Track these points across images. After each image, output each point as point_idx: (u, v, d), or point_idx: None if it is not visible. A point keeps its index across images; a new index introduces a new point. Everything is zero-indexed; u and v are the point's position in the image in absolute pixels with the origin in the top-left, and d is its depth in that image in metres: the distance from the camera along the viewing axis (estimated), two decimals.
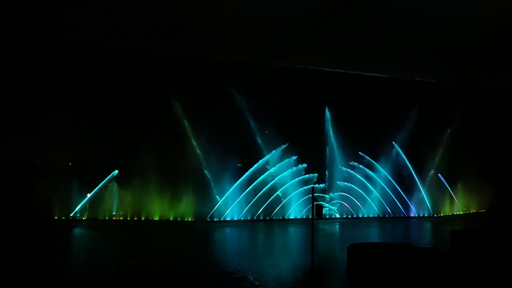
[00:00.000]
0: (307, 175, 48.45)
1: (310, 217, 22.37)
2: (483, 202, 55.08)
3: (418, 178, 53.83)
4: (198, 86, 47.22)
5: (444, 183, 54.49)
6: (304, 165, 48.31)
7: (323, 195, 49.94)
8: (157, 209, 44.23)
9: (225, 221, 45.67)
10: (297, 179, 48.12)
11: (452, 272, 16.87)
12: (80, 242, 33.29)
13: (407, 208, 53.53)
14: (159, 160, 44.01)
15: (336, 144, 51.79)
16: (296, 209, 48.72)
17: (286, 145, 47.76)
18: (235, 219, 46.30)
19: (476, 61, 45.22)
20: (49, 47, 41.18)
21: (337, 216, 50.52)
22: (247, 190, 46.33)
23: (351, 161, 50.92)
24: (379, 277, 16.36)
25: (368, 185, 51.08)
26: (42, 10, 34.63)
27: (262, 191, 46.64)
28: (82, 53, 42.67)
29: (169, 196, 44.10)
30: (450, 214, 55.71)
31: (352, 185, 50.55)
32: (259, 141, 48.22)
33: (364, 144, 50.87)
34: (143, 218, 44.05)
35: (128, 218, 44.38)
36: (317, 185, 49.12)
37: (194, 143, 46.42)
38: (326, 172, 51.34)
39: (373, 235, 36.57)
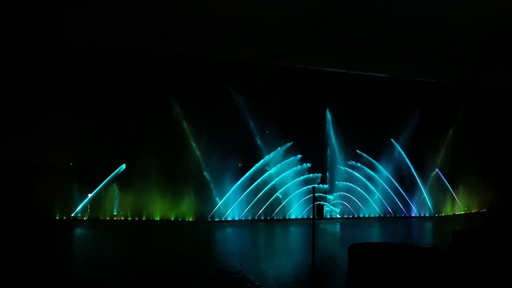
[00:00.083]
0: (310, 175, 48.40)
1: (311, 217, 22.35)
2: (484, 202, 55.05)
3: (419, 178, 53.81)
4: (198, 86, 47.18)
5: (443, 180, 54.43)
6: (308, 164, 48.25)
7: (325, 195, 49.85)
8: (158, 209, 44.21)
9: (226, 221, 45.64)
10: (301, 177, 47.98)
11: (453, 272, 16.87)
12: (81, 242, 33.26)
13: (408, 208, 53.53)
14: (160, 160, 43.99)
15: (337, 145, 51.76)
16: (297, 209, 48.68)
17: (291, 143, 47.74)
18: (236, 219, 46.28)
19: (476, 61, 45.23)
20: (49, 47, 41.16)
21: (338, 216, 50.48)
22: (248, 190, 46.29)
23: (351, 161, 50.85)
24: (380, 277, 16.36)
25: (369, 185, 51.05)
26: (42, 10, 34.61)
27: (263, 191, 46.61)
28: (82, 53, 42.66)
29: (170, 196, 44.07)
30: (451, 214, 55.71)
31: (353, 185, 50.49)
32: (258, 142, 48.16)
33: (365, 144, 50.87)
34: (144, 218, 44.03)
35: (129, 218, 44.35)
36: (320, 185, 49.14)
37: (195, 143, 46.39)
38: (327, 174, 51.26)
39: (374, 235, 36.53)
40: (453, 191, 55.37)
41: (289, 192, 47.93)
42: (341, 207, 50.75)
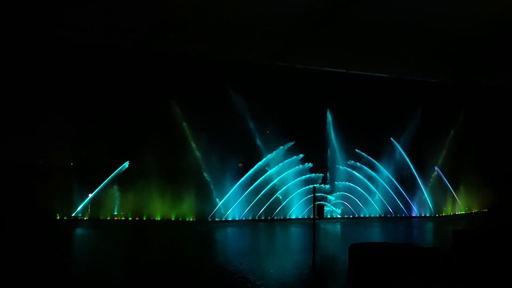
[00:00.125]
0: (312, 174, 48.36)
1: (312, 217, 22.34)
2: (485, 202, 55.02)
3: (419, 178, 53.79)
4: (198, 86, 47.17)
5: (444, 180, 54.41)
6: (310, 164, 48.22)
7: (327, 195, 49.80)
8: (159, 209, 44.19)
9: (226, 221, 45.62)
10: (302, 177, 47.92)
11: (454, 272, 16.86)
12: (81, 242, 33.27)
13: (408, 207, 53.52)
14: (160, 160, 43.97)
15: (337, 145, 51.73)
16: (297, 209, 48.64)
17: (293, 142, 47.70)
18: (237, 219, 46.25)
19: (476, 61, 45.17)
20: (49, 47, 41.14)
21: (339, 216, 50.46)
22: (249, 189, 46.26)
23: (350, 161, 50.82)
24: (381, 276, 16.34)
25: (370, 185, 51.03)
26: (42, 10, 34.56)
27: (264, 190, 46.58)
28: (82, 53, 42.64)
29: (171, 196, 44.05)
30: (451, 213, 55.70)
31: (353, 185, 50.46)
32: (258, 142, 48.12)
33: (365, 144, 50.87)
34: (144, 218, 44.00)
35: (130, 218, 44.32)
36: (322, 185, 49.11)
37: (195, 143, 46.38)
38: (328, 174, 51.19)
39: (375, 235, 36.54)
40: (454, 191, 55.35)
41: (290, 192, 47.89)
42: (342, 208, 50.70)
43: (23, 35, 39.38)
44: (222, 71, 47.32)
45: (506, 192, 51.15)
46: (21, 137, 42.78)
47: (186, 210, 44.71)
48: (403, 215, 53.01)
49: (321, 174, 49.09)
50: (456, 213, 55.97)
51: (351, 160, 50.93)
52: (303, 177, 47.92)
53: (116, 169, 44.76)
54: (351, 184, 50.43)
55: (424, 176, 54.41)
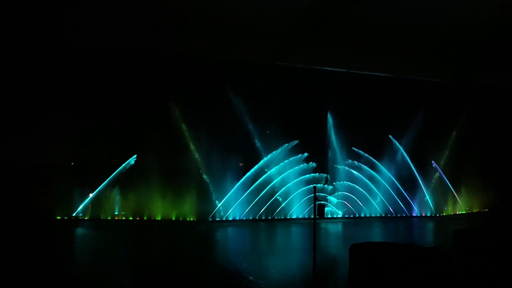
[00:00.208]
0: (316, 174, 48.30)
1: (312, 216, 22.32)
2: (486, 202, 55.02)
3: (420, 177, 53.78)
4: (198, 86, 47.17)
5: (443, 177, 54.37)
6: (314, 164, 48.11)
7: (328, 196, 49.75)
8: (159, 209, 44.18)
9: (227, 221, 45.60)
10: (306, 176, 47.71)
11: (455, 272, 16.85)
12: (82, 242, 33.26)
13: (409, 207, 53.49)
14: (160, 160, 43.98)
15: (338, 146, 51.66)
16: (298, 209, 48.61)
17: (297, 141, 47.63)
18: (237, 218, 46.24)
19: (476, 61, 45.17)
20: (49, 47, 41.14)
21: (340, 216, 50.45)
22: (250, 189, 46.22)
23: (350, 160, 50.76)
24: (381, 276, 16.34)
25: (370, 184, 50.99)
26: (42, 10, 34.55)
27: (265, 190, 46.53)
28: (82, 53, 42.62)
29: (171, 196, 44.03)
30: (452, 213, 55.68)
31: (354, 185, 50.43)
32: (257, 144, 48.05)
33: (366, 144, 50.83)
34: (145, 218, 44.00)
35: (130, 218, 44.30)
36: (325, 185, 49.09)
37: (195, 143, 46.36)
38: (328, 175, 51.12)
39: (375, 234, 36.55)
40: (455, 191, 55.34)
41: (291, 192, 47.83)
42: (345, 209, 50.63)
43: (23, 35, 39.37)
44: (222, 71, 47.32)
45: (507, 192, 51.16)
46: (21, 137, 42.75)
47: (187, 210, 44.68)
48: (404, 215, 52.97)
49: (326, 175, 49.03)
50: (457, 213, 55.96)
51: (352, 159, 50.85)
52: (306, 176, 47.77)
53: (116, 169, 44.69)
54: (352, 184, 50.40)
55: (425, 176, 54.38)
